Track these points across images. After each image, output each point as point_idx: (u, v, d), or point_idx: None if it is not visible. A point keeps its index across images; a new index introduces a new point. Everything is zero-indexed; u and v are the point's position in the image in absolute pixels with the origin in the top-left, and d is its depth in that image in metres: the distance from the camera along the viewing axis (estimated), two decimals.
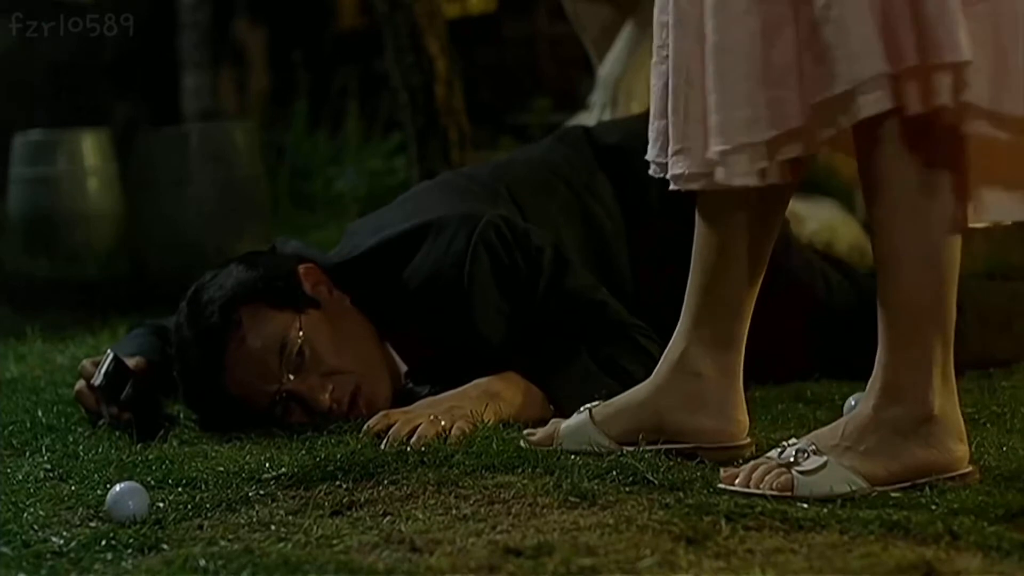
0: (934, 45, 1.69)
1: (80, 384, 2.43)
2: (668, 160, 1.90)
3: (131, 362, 2.41)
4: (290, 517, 1.77)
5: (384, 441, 2.11)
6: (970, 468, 1.82)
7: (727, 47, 1.81)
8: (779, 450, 1.82)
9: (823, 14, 1.74)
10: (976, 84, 1.71)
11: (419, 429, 2.11)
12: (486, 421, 2.18)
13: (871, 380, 1.84)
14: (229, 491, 1.90)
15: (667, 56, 1.91)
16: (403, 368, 2.46)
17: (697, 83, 1.85)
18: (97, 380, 2.36)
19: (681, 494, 1.77)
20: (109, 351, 2.41)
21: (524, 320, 2.37)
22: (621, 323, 2.37)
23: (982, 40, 1.71)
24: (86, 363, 2.45)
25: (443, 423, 2.13)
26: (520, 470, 1.92)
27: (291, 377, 2.32)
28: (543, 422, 2.15)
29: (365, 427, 2.17)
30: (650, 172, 1.97)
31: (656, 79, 1.94)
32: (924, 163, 1.77)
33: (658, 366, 2.02)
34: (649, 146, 1.97)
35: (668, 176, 1.90)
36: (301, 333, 2.32)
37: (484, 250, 2.35)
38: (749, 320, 1.98)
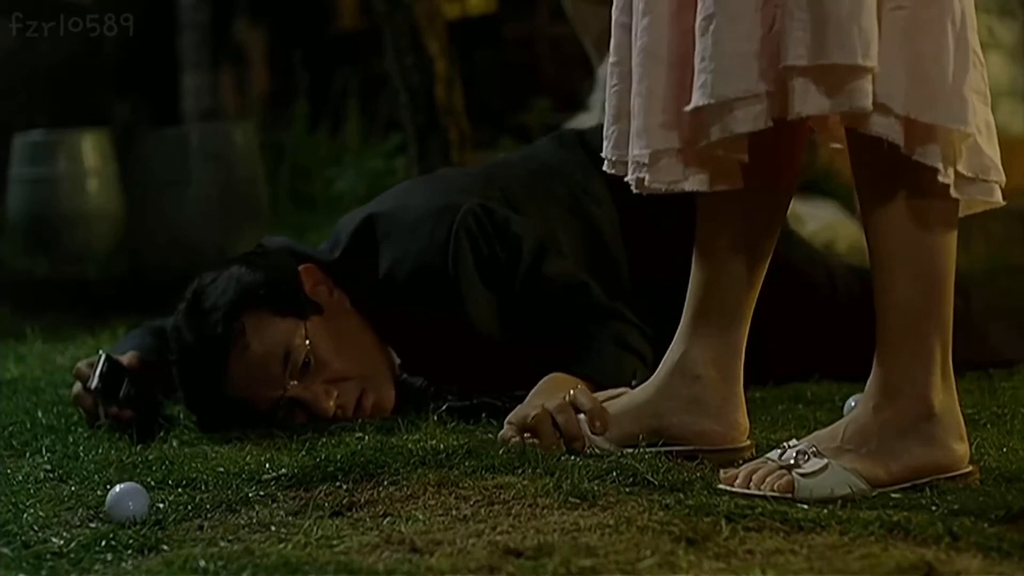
0: (832, 46, 1.68)
1: (77, 387, 2.42)
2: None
3: (124, 359, 2.41)
4: (290, 518, 1.77)
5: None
6: (970, 468, 1.82)
7: (652, 51, 1.82)
8: (779, 451, 1.82)
9: (702, 25, 1.75)
10: (888, 87, 1.70)
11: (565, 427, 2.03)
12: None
13: (870, 380, 1.83)
14: (229, 492, 1.90)
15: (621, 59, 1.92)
16: (396, 360, 2.46)
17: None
18: (93, 383, 2.35)
19: (681, 495, 1.77)
20: (100, 352, 2.40)
21: (510, 308, 2.36)
22: (607, 305, 2.38)
23: (898, 45, 1.71)
24: (81, 365, 2.44)
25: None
26: (520, 470, 1.91)
27: (294, 383, 2.32)
28: None
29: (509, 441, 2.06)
30: (604, 168, 1.96)
31: (612, 80, 1.93)
32: (916, 163, 1.77)
33: (658, 369, 2.02)
34: (606, 144, 1.95)
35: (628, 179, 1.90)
36: (307, 342, 2.32)
37: (466, 239, 2.35)
38: (749, 323, 1.98)
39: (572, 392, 2.06)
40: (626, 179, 1.90)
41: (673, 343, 2.00)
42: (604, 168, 1.96)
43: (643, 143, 1.84)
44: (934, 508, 1.68)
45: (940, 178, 1.74)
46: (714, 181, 1.86)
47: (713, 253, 1.95)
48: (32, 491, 1.95)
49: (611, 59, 1.93)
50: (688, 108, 1.77)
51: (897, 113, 1.71)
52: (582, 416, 2.03)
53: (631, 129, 1.86)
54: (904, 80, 1.71)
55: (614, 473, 1.86)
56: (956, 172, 1.76)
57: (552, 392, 2.13)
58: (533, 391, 2.19)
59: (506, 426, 2.09)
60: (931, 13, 1.72)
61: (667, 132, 1.82)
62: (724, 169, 1.85)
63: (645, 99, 1.83)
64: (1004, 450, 1.97)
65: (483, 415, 2.27)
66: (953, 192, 1.76)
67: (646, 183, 1.86)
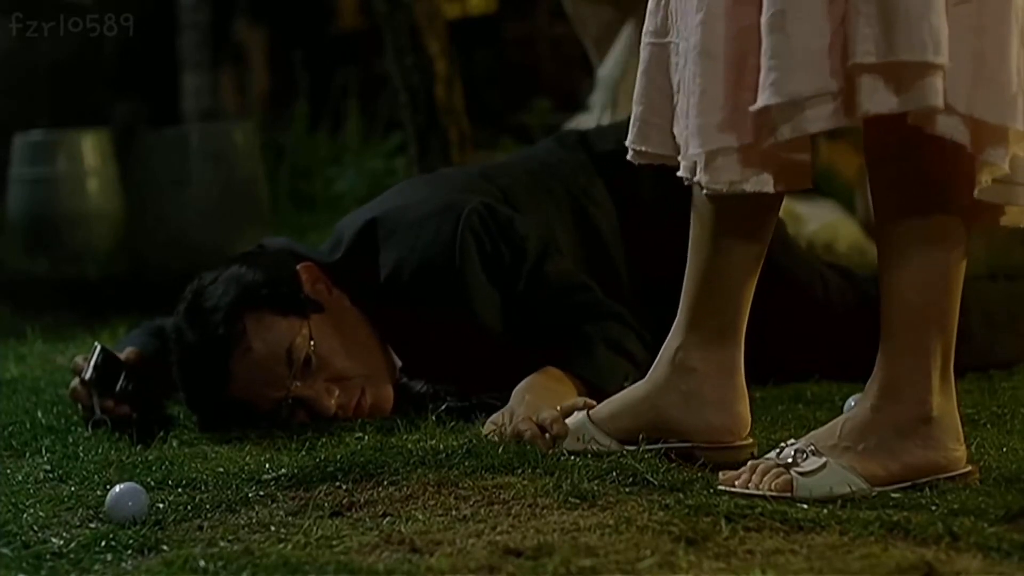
0: (901, 43, 1.65)
1: (73, 382, 2.41)
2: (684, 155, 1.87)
3: (122, 354, 2.40)
4: (290, 518, 1.77)
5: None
6: (969, 468, 1.82)
7: (706, 48, 1.79)
8: (778, 451, 1.82)
9: (771, 22, 1.71)
10: (953, 86, 1.67)
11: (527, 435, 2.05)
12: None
13: (870, 380, 1.83)
14: (229, 492, 1.90)
15: (650, 44, 1.90)
16: (398, 363, 2.46)
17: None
18: (87, 374, 2.34)
19: (681, 495, 1.77)
20: (96, 344, 2.39)
21: (513, 306, 2.37)
22: (607, 306, 2.39)
23: (963, 42, 1.68)
24: (78, 359, 2.42)
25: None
26: (520, 470, 1.92)
27: (297, 384, 2.32)
28: None
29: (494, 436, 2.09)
30: (628, 158, 1.94)
31: (643, 62, 1.92)
32: (932, 166, 1.76)
33: (655, 363, 2.01)
34: (631, 132, 1.93)
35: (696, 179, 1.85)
36: (312, 343, 2.32)
37: (471, 237, 2.35)
38: (747, 315, 1.96)
39: (560, 407, 2.07)
40: (686, 179, 1.85)
41: (669, 337, 1.99)
42: (628, 158, 1.93)
43: (698, 143, 1.79)
44: (934, 508, 1.69)
45: (983, 178, 1.71)
46: (779, 181, 1.81)
47: (707, 245, 1.92)
48: (32, 491, 1.95)
49: (643, 41, 1.91)
50: (755, 107, 1.72)
51: (961, 112, 1.67)
52: (579, 415, 2.03)
53: (687, 128, 1.82)
54: (969, 78, 1.67)
55: (614, 473, 1.86)
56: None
57: (535, 397, 2.15)
58: (519, 392, 2.21)
59: (488, 425, 2.13)
60: (996, 9, 1.68)
61: (722, 132, 1.77)
62: (790, 169, 1.82)
63: (699, 98, 1.78)
64: (1004, 450, 1.97)
65: (482, 415, 2.27)
66: (978, 193, 1.74)
67: (703, 184, 1.81)
